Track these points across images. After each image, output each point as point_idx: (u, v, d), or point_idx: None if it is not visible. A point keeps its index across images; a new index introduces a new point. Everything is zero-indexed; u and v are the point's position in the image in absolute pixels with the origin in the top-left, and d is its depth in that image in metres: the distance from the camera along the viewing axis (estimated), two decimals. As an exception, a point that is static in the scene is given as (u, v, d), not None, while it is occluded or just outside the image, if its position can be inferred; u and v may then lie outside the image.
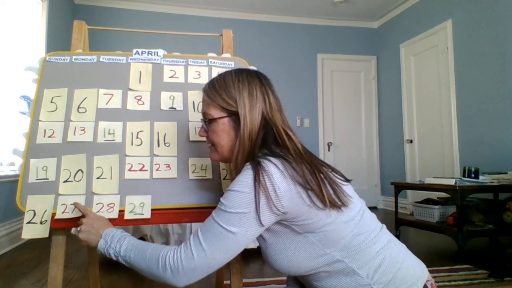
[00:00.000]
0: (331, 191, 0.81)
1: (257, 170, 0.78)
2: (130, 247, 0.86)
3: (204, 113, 0.95)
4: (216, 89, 0.91)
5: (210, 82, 0.95)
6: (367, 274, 0.81)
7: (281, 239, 0.83)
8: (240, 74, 0.92)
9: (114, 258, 0.88)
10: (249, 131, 0.87)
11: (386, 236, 0.88)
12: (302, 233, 0.81)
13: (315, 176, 0.81)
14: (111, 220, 1.07)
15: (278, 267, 0.86)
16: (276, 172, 0.78)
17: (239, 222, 0.78)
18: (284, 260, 0.84)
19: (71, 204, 1.06)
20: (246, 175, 0.79)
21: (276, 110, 0.91)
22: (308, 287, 0.94)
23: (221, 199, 0.82)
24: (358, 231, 0.83)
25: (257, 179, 0.77)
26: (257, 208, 0.77)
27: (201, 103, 1.29)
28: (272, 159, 0.81)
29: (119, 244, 0.87)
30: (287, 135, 0.88)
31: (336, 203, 0.81)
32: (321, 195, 0.79)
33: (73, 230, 2.29)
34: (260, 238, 0.87)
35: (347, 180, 0.90)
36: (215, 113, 0.91)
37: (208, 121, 0.92)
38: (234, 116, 0.89)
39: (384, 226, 0.91)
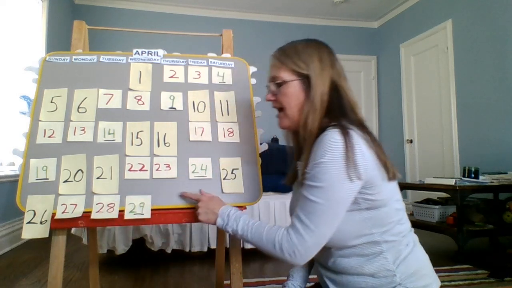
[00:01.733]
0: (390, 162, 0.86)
1: (346, 138, 0.80)
2: (245, 227, 0.92)
3: (273, 77, 0.97)
4: (287, 53, 0.96)
5: (280, 48, 0.99)
6: (394, 261, 0.84)
7: None
8: (309, 42, 0.98)
9: (232, 235, 0.96)
10: (320, 92, 0.90)
11: (414, 235, 0.94)
12: (364, 208, 0.83)
13: (379, 146, 0.85)
14: (111, 220, 1.07)
15: None
16: (360, 140, 0.81)
17: (335, 193, 0.79)
18: None
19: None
20: (336, 144, 0.79)
21: (343, 78, 0.95)
22: (327, 265, 0.92)
23: (312, 172, 0.81)
24: (401, 221, 0.88)
25: (347, 146, 0.78)
26: (349, 175, 0.78)
27: (200, 101, 1.30)
28: (353, 127, 0.83)
29: (236, 223, 0.94)
30: (354, 103, 0.92)
31: (395, 174, 0.86)
32: (386, 164, 0.83)
33: (73, 230, 2.30)
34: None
35: None
36: (286, 76, 0.94)
37: (279, 84, 0.95)
38: (305, 78, 0.92)
39: (413, 229, 0.96)
